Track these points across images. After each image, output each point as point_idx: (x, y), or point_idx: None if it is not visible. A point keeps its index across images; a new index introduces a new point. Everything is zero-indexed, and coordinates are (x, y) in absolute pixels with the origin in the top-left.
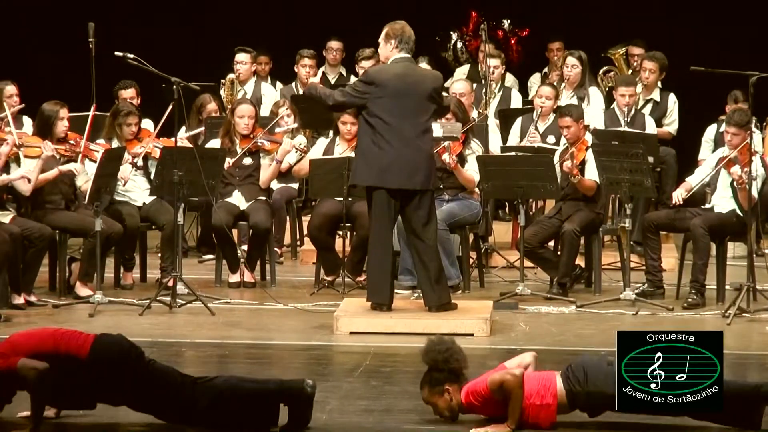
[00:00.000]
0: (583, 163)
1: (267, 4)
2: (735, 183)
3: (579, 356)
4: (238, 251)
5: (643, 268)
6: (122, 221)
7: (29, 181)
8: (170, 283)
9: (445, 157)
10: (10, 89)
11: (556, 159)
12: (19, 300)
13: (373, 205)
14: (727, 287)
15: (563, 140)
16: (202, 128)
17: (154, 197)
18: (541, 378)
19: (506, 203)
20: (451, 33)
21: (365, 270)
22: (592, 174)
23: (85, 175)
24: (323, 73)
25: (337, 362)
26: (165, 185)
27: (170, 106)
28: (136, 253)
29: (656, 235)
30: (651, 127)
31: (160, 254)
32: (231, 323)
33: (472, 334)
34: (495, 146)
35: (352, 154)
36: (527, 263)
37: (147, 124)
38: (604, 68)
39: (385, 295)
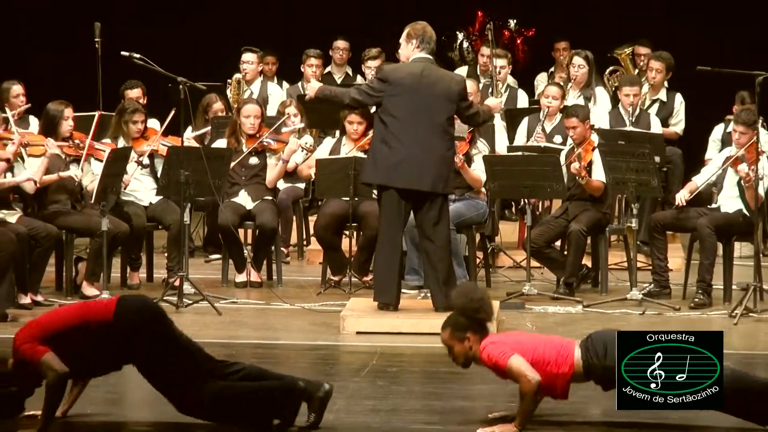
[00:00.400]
0: (590, 163)
1: (267, 4)
2: (742, 181)
3: (600, 330)
4: (245, 251)
5: (650, 268)
6: (129, 221)
7: (35, 182)
8: (177, 283)
9: None
10: (17, 89)
11: (562, 159)
12: (26, 300)
13: (381, 205)
14: (733, 287)
15: (570, 140)
16: (209, 128)
17: (161, 197)
18: (560, 346)
19: (513, 203)
20: (458, 33)
21: (371, 270)
22: (599, 174)
23: (91, 174)
24: (329, 72)
25: (343, 362)
26: (171, 185)
27: (174, 108)
28: (143, 253)
29: (663, 235)
30: (656, 127)
31: (166, 254)
32: (237, 323)
33: None
34: (501, 146)
35: (359, 154)
36: (534, 263)
37: (153, 123)
38: (611, 68)
39: (392, 294)
